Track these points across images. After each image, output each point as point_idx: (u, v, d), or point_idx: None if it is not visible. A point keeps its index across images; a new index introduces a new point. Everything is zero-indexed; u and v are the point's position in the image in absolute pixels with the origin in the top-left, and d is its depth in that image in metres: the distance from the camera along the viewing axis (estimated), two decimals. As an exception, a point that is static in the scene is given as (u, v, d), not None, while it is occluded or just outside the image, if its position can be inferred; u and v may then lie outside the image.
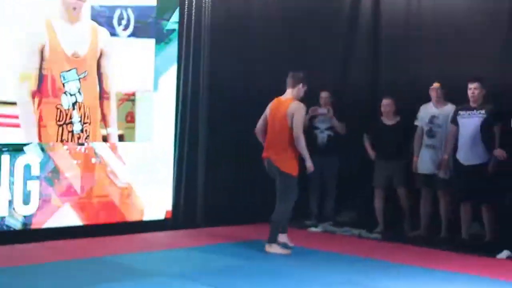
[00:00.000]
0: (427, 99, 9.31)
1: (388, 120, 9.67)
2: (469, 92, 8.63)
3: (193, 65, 9.55)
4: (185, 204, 9.56)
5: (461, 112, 8.71)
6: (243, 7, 9.85)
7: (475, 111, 8.59)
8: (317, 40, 10.49)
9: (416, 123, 9.38)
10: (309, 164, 8.06)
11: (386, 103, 9.67)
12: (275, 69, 9.66)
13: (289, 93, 8.15)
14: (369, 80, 10.57)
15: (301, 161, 8.11)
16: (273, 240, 8.05)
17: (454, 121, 8.77)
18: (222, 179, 9.76)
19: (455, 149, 8.76)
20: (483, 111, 8.52)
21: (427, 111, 9.28)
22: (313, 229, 9.79)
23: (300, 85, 8.10)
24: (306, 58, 10.14)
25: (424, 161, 9.23)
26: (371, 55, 10.61)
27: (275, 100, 8.25)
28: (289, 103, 8.02)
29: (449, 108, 9.11)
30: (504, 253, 8.13)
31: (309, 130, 9.90)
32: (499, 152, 8.18)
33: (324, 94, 10.03)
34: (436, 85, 9.20)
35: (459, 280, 7.05)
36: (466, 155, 8.59)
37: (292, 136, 7.95)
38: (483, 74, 8.81)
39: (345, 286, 6.65)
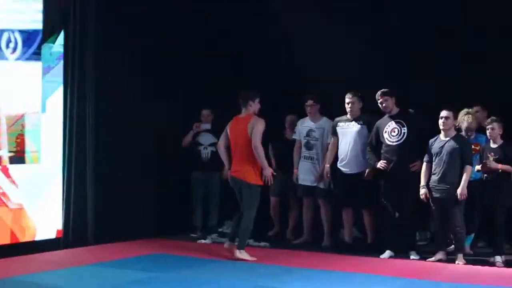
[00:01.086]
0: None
1: (290, 135, 10.28)
2: (347, 105, 9.37)
3: (78, 86, 9.72)
4: (75, 222, 9.68)
5: (340, 124, 9.44)
6: (127, 30, 10.10)
7: (353, 122, 9.33)
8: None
9: (294, 137, 10.02)
10: (266, 172, 8.58)
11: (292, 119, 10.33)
12: (158, 89, 10.25)
13: (244, 111, 8.72)
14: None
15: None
16: (242, 246, 8.59)
17: (334, 132, 9.47)
18: (111, 196, 9.92)
19: (336, 159, 9.46)
20: (361, 122, 9.28)
21: (303, 124, 9.94)
22: (202, 241, 10.18)
23: (251, 102, 8.66)
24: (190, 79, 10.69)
25: (304, 172, 9.86)
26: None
27: (234, 119, 8.79)
28: (249, 119, 8.56)
29: (324, 121, 9.83)
30: (387, 253, 8.89)
31: (192, 146, 10.39)
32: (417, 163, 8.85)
33: (205, 112, 10.52)
34: (310, 102, 9.87)
35: (355, 279, 7.66)
36: (347, 165, 9.33)
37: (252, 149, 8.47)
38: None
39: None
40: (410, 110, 9.06)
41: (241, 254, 8.58)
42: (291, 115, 10.39)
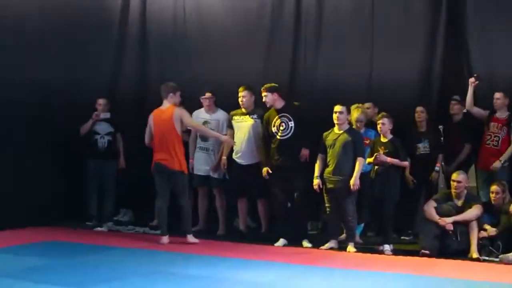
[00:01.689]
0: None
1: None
2: (240, 100, 9.59)
3: None
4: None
5: (235, 117, 9.66)
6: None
7: (247, 116, 9.56)
8: (88, 46, 10.94)
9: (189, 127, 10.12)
10: (224, 139, 9.47)
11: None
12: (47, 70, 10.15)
13: (166, 103, 9.16)
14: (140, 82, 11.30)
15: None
16: (191, 231, 9.13)
17: (230, 125, 9.68)
18: (3, 182, 9.75)
19: (231, 150, 9.67)
20: (255, 116, 9.52)
21: (199, 116, 10.06)
22: (98, 228, 10.20)
23: (171, 94, 9.10)
24: (77, 64, 10.67)
25: (199, 163, 10.01)
26: (141, 60, 11.33)
27: (156, 111, 9.18)
28: (172, 110, 9.07)
29: (220, 114, 10.01)
30: (281, 241, 9.14)
31: (89, 135, 10.39)
32: (304, 152, 9.14)
33: (101, 101, 10.54)
34: (208, 94, 10.01)
35: (250, 265, 7.85)
36: (242, 156, 9.56)
37: (178, 137, 9.05)
38: (251, 73, 9.98)
39: (154, 275, 7.17)
40: (295, 103, 9.35)
41: (192, 238, 9.09)
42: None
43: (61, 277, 6.93)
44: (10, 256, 8.03)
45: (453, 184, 8.81)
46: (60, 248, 8.63)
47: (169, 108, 9.11)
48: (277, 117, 9.19)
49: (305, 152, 9.15)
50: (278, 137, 9.17)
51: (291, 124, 9.12)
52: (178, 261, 8.03)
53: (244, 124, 9.57)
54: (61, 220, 10.24)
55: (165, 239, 9.07)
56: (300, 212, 9.21)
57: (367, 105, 9.61)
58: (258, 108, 9.58)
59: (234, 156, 9.63)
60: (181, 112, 9.12)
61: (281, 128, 9.14)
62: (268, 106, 9.30)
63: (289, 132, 9.13)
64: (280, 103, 9.25)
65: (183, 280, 6.95)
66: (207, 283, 6.86)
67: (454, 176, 8.83)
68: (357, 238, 9.27)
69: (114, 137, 10.56)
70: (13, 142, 9.84)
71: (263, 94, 9.25)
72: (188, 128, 9.46)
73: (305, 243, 9.09)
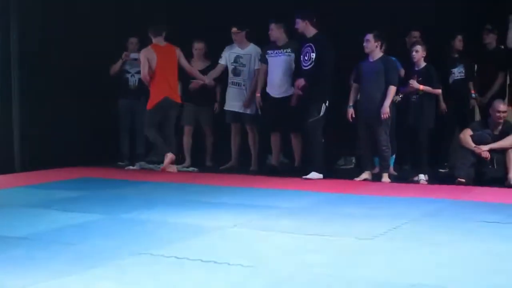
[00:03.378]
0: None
1: (199, 65, 10.25)
2: (269, 33, 9.42)
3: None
4: (1, 150, 9.58)
5: (269, 51, 9.49)
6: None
7: (281, 49, 9.39)
8: None
9: (220, 61, 10.02)
10: (207, 80, 9.89)
11: (198, 46, 10.25)
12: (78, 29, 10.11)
13: (161, 40, 9.63)
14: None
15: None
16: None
17: (263, 59, 9.52)
18: (38, 123, 9.78)
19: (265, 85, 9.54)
20: (289, 50, 9.35)
21: (231, 51, 9.94)
22: (130, 167, 10.20)
23: (164, 34, 9.61)
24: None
25: (231, 98, 9.90)
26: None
27: (155, 46, 9.51)
28: (173, 48, 9.65)
29: (252, 48, 9.86)
30: (313, 174, 8.97)
31: (120, 74, 10.34)
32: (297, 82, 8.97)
33: (133, 40, 10.50)
34: (234, 29, 9.86)
35: (282, 194, 7.81)
36: (275, 89, 9.40)
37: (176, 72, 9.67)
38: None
39: (185, 204, 7.15)
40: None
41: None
42: (199, 42, 10.31)
43: (90, 207, 6.93)
44: (43, 190, 8.07)
45: (499, 114, 8.58)
46: (92, 183, 8.66)
47: (168, 45, 9.63)
48: (305, 45, 9.00)
49: (298, 83, 8.97)
50: (303, 67, 8.99)
51: (313, 55, 8.91)
52: (210, 191, 7.99)
53: (276, 58, 9.39)
54: (95, 160, 10.21)
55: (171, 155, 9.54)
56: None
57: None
58: (292, 41, 9.39)
59: (267, 89, 9.48)
60: (180, 52, 9.66)
61: (305, 58, 8.96)
62: (299, 32, 9.08)
63: (310, 63, 8.93)
64: (310, 32, 9.04)
65: (213, 207, 6.90)
66: (238, 209, 6.79)
67: (501, 106, 8.60)
68: (392, 170, 9.13)
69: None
70: (53, 79, 9.91)
71: (296, 20, 9.03)
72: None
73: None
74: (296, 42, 9.33)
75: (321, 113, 8.88)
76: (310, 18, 8.99)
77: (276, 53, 9.40)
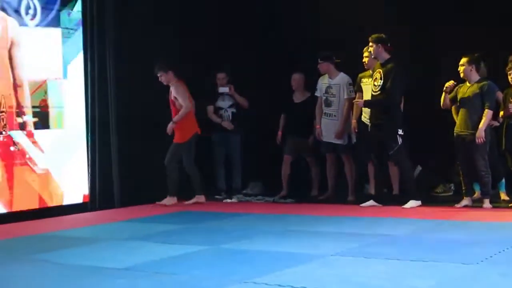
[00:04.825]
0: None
1: (298, 97, 10.30)
2: (363, 60, 9.40)
3: (98, 51, 9.80)
4: (101, 187, 9.78)
5: (363, 80, 9.46)
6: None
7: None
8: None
9: (316, 94, 10.03)
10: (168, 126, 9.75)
11: (295, 77, 10.31)
12: (177, 51, 10.26)
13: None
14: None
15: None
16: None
17: (359, 88, 9.50)
18: (136, 159, 9.95)
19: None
20: None
21: (322, 82, 9.96)
22: (228, 200, 10.26)
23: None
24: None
25: (325, 129, 9.87)
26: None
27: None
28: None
29: (341, 77, 9.81)
30: (411, 203, 8.82)
31: (214, 111, 10.51)
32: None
33: (220, 75, 10.55)
34: (320, 61, 9.84)
35: (384, 222, 7.70)
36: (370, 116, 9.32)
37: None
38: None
39: (285, 233, 7.15)
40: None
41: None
42: (297, 73, 10.32)
43: (190, 238, 7.01)
44: (143, 224, 8.22)
45: None
46: (190, 216, 8.78)
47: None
48: (376, 71, 8.91)
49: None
50: (372, 93, 8.92)
51: (381, 82, 8.80)
52: (309, 221, 7.98)
53: (368, 86, 9.31)
54: (192, 194, 10.32)
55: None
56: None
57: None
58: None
59: (362, 118, 9.44)
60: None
61: (375, 83, 8.88)
62: (372, 57, 9.01)
63: (379, 89, 8.81)
64: (383, 57, 8.92)
65: (312, 236, 6.88)
66: (338, 238, 6.76)
67: None
68: (504, 195, 8.91)
69: (237, 108, 10.51)
70: (149, 117, 10.04)
71: (369, 44, 8.94)
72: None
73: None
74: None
75: (399, 142, 8.74)
76: (384, 42, 8.89)
77: (370, 80, 9.33)
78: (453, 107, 8.82)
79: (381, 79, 8.74)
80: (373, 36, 8.86)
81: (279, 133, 10.38)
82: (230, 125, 10.42)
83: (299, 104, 10.25)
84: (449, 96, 8.70)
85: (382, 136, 8.79)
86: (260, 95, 10.68)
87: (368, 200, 9.00)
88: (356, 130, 9.54)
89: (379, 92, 8.77)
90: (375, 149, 9.04)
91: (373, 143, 9.01)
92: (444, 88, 8.70)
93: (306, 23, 10.97)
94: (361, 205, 8.94)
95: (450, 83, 8.66)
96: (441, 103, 8.77)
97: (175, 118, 9.69)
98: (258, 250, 6.26)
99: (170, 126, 9.70)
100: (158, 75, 9.68)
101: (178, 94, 9.69)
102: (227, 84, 10.47)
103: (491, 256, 5.60)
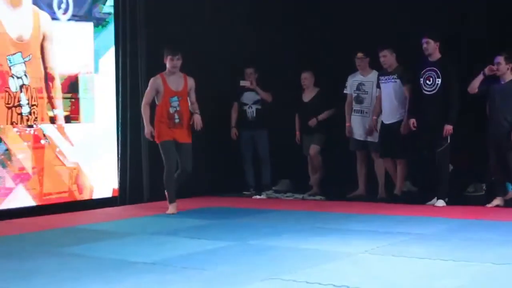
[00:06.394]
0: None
1: (308, 95, 10.32)
2: (381, 60, 9.37)
3: (130, 47, 9.83)
4: (131, 182, 9.80)
5: (381, 77, 9.45)
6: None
7: (390, 76, 9.32)
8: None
9: (345, 91, 9.99)
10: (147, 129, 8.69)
11: (305, 76, 10.28)
12: (210, 48, 10.22)
13: None
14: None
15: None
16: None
17: (378, 85, 9.48)
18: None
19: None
20: (395, 76, 9.25)
21: (354, 78, 9.91)
22: (257, 197, 10.24)
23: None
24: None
25: (356, 127, 9.83)
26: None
27: None
28: None
29: (374, 75, 9.77)
30: (440, 202, 8.74)
31: (238, 106, 10.55)
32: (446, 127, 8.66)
33: (249, 71, 10.54)
34: (360, 55, 9.83)
35: (412, 221, 7.62)
36: (386, 116, 9.35)
37: None
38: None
39: (314, 230, 7.13)
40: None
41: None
42: (307, 72, 10.30)
43: (218, 234, 6.99)
44: (172, 219, 8.23)
45: None
46: (219, 212, 8.78)
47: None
48: (426, 69, 8.82)
49: (448, 127, 8.68)
50: (423, 91, 8.83)
51: (438, 81, 8.72)
52: (338, 218, 7.92)
53: (386, 85, 9.35)
54: (221, 190, 10.33)
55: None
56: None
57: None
58: (400, 67, 9.29)
59: (381, 117, 9.47)
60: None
61: (428, 82, 8.79)
62: (426, 53, 8.88)
63: (434, 88, 8.74)
64: (436, 55, 8.86)
65: (342, 233, 6.84)
66: (367, 235, 6.71)
67: None
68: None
69: (262, 105, 10.48)
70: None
71: (425, 40, 8.81)
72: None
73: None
74: (402, 67, 9.25)
75: (448, 141, 8.67)
76: (440, 40, 8.81)
77: (386, 79, 9.34)
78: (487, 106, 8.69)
79: (438, 77, 8.67)
80: (432, 32, 8.79)
81: (297, 133, 10.37)
82: (247, 83, 10.35)
83: (308, 103, 10.27)
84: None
85: (434, 133, 8.71)
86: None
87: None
88: (376, 127, 9.56)
89: (435, 91, 8.70)
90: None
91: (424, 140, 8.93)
92: (483, 71, 8.55)
93: (316, 23, 10.90)
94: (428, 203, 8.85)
95: (492, 67, 8.51)
96: (470, 86, 8.64)
97: (197, 111, 8.71)
98: (286, 246, 6.23)
99: (198, 118, 8.71)
100: (177, 57, 8.61)
101: (194, 87, 8.76)
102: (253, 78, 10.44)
103: (522, 256, 5.51)
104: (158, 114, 8.58)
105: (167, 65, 8.64)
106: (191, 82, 8.71)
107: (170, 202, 8.69)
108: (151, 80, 8.69)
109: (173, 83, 8.59)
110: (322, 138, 10.22)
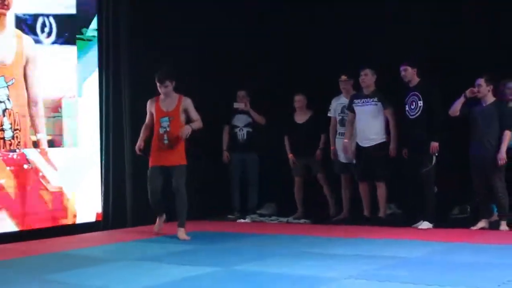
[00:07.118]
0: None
1: (301, 117, 10.27)
2: (360, 78, 9.35)
3: (113, 70, 9.79)
4: (114, 206, 9.74)
5: (356, 100, 9.43)
6: (161, 13, 10.15)
7: (368, 98, 9.32)
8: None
9: (329, 114, 10.00)
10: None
11: (298, 99, 10.25)
12: (192, 70, 10.19)
13: None
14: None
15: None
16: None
17: (350, 108, 9.46)
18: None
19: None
20: (375, 99, 9.25)
21: (338, 102, 9.91)
22: (241, 220, 10.20)
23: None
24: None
25: (340, 149, 9.79)
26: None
27: None
28: None
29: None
30: (425, 224, 8.77)
31: (229, 129, 10.50)
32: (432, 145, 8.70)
33: (241, 93, 10.53)
34: (343, 77, 9.84)
35: (397, 244, 7.61)
36: (362, 139, 9.35)
37: None
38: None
39: (299, 255, 7.08)
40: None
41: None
42: (299, 94, 10.28)
43: (203, 260, 6.93)
44: (156, 244, 8.15)
45: None
46: (203, 236, 8.67)
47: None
48: (409, 95, 8.87)
49: (434, 145, 8.70)
50: (409, 116, 8.86)
51: (420, 103, 8.75)
52: (323, 242, 7.90)
53: (364, 108, 9.35)
54: (205, 214, 10.27)
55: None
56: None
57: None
58: (379, 91, 9.32)
59: (357, 139, 9.48)
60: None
61: (412, 107, 8.81)
62: (405, 80, 8.93)
63: (417, 111, 8.76)
64: (415, 80, 8.90)
65: (327, 258, 6.81)
66: (352, 260, 6.66)
67: None
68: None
69: (253, 127, 10.45)
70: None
71: (403, 67, 8.87)
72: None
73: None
74: (380, 92, 9.26)
75: (433, 162, 8.68)
76: (418, 66, 8.85)
77: (363, 102, 9.32)
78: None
79: (419, 100, 8.70)
80: (408, 60, 8.87)
81: (290, 155, 10.30)
82: (241, 105, 10.34)
83: (302, 125, 10.23)
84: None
85: (419, 154, 8.72)
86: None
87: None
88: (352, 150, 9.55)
89: (419, 113, 8.72)
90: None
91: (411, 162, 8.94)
92: (465, 93, 8.57)
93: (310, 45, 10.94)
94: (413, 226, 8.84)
95: (473, 90, 8.53)
96: (451, 109, 8.66)
97: (194, 125, 8.38)
98: (271, 272, 6.18)
99: (186, 127, 8.32)
100: (165, 85, 8.36)
101: (191, 106, 8.52)
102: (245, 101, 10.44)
103: (508, 280, 5.49)
104: (153, 135, 8.54)
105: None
106: (186, 102, 8.44)
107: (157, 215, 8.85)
108: (148, 102, 8.67)
109: (165, 104, 8.48)
110: (319, 163, 10.19)
